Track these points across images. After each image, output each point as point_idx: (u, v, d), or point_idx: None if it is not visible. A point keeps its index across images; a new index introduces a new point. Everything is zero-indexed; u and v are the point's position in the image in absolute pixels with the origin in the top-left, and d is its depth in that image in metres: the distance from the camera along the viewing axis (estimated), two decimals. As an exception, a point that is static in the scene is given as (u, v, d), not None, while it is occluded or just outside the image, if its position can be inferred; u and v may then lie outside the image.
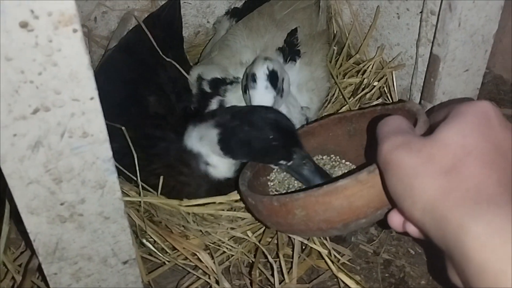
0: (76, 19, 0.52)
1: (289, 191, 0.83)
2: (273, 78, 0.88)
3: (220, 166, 0.85)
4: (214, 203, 0.84)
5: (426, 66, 0.95)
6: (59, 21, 0.52)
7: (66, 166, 0.61)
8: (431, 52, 0.91)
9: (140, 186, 0.82)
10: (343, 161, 0.88)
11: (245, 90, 0.90)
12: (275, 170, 0.86)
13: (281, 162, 0.81)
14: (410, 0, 1.00)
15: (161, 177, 0.85)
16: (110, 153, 0.63)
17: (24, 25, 0.49)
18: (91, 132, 0.60)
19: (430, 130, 0.59)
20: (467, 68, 0.93)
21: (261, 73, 0.88)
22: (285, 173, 0.85)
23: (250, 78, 0.88)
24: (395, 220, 0.48)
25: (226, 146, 0.80)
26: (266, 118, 0.79)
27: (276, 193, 0.83)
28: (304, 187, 0.81)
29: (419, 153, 0.43)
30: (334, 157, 0.88)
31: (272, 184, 0.85)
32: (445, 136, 0.44)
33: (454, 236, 0.38)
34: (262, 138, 0.78)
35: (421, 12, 0.95)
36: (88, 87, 0.57)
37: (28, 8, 0.49)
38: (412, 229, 0.47)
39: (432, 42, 0.90)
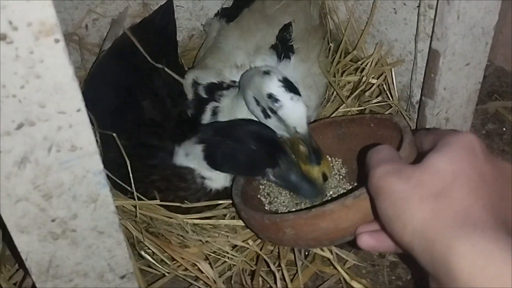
0: (57, 29, 0.50)
1: (278, 198, 0.83)
2: (289, 84, 0.83)
3: (216, 177, 0.84)
4: (213, 215, 0.82)
5: (426, 62, 0.92)
6: (40, 31, 0.49)
7: (56, 181, 0.58)
8: (430, 47, 0.88)
9: (135, 195, 0.79)
10: (335, 158, 0.88)
11: (266, 115, 0.84)
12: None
13: (268, 170, 0.80)
14: (407, -7, 0.97)
15: (157, 193, 0.84)
16: (101, 166, 0.61)
17: (2, 37, 0.47)
18: (80, 145, 0.58)
19: (415, 153, 0.59)
20: (468, 62, 0.90)
21: (276, 88, 0.82)
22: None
23: (269, 101, 0.81)
24: (366, 241, 0.54)
25: (212, 161, 0.80)
26: (248, 131, 0.79)
27: (267, 197, 0.83)
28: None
29: (410, 179, 0.45)
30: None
31: (263, 187, 0.85)
32: (434, 163, 0.46)
33: (441, 256, 0.41)
34: (245, 150, 0.78)
35: (419, 6, 0.93)
36: (74, 99, 0.55)
37: (6, 19, 0.46)
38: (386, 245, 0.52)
39: (431, 37, 0.87)
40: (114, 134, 0.81)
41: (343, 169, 0.86)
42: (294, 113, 0.81)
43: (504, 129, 1.24)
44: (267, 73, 0.86)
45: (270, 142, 0.79)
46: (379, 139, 0.79)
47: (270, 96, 0.82)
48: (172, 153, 0.87)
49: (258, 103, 0.85)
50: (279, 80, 0.83)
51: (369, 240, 0.54)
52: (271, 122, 0.84)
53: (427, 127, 0.97)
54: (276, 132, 0.86)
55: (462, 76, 0.92)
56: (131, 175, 0.80)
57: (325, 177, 0.81)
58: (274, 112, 0.82)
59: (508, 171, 0.48)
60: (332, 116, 1.05)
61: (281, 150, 0.80)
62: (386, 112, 1.05)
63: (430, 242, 0.42)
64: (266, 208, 0.82)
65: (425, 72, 0.93)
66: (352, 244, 0.63)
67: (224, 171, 0.83)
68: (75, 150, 0.58)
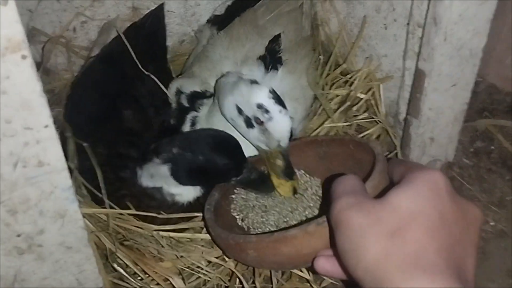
0: (25, 45, 0.49)
1: (249, 214, 0.82)
2: (277, 96, 0.82)
3: (185, 192, 0.83)
4: (189, 227, 0.81)
5: (412, 81, 0.91)
6: (6, 47, 0.49)
7: (22, 196, 0.58)
8: (416, 67, 0.87)
9: (107, 204, 0.78)
10: (314, 177, 0.87)
11: (250, 125, 0.82)
12: (236, 190, 0.85)
13: (234, 179, 0.81)
14: (397, 10, 0.96)
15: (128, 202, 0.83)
16: (69, 182, 0.60)
17: (-34, 53, 0.46)
18: (47, 161, 0.57)
19: (387, 182, 0.58)
20: (455, 83, 0.89)
21: (267, 99, 0.80)
22: (245, 192, 0.85)
23: (258, 111, 0.80)
24: (321, 264, 0.55)
25: (180, 178, 0.80)
26: (210, 143, 0.79)
27: (239, 213, 0.83)
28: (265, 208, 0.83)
29: (369, 214, 0.45)
30: (304, 173, 0.88)
31: (235, 203, 0.84)
32: (394, 200, 0.46)
33: None
34: (212, 164, 0.78)
35: (408, 23, 0.91)
36: (42, 115, 0.54)
37: (-30, 35, 0.45)
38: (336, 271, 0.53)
39: (418, 57, 0.86)
40: (85, 144, 0.79)
41: (321, 189, 0.85)
42: (281, 126, 0.80)
43: (492, 147, 1.23)
44: (255, 82, 0.84)
45: (234, 151, 0.80)
46: (357, 162, 0.78)
47: (260, 106, 0.80)
48: (141, 164, 0.86)
49: (240, 111, 0.84)
50: (270, 92, 0.82)
51: (325, 264, 0.54)
52: (252, 133, 0.83)
53: (411, 146, 0.96)
54: (253, 144, 0.85)
55: (449, 97, 0.91)
56: (102, 185, 0.79)
57: (295, 192, 0.83)
58: (260, 123, 0.81)
59: (472, 213, 0.47)
60: (317, 130, 1.04)
61: (243, 156, 0.81)
62: (373, 129, 1.04)
63: (380, 282, 0.42)
64: (239, 224, 0.81)
65: (411, 91, 0.92)
66: (310, 268, 0.63)
67: (193, 184, 0.83)
68: (43, 166, 0.57)
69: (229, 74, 0.93)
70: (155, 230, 0.79)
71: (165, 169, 0.80)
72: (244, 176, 0.80)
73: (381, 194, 0.63)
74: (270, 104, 0.80)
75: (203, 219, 0.77)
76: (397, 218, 0.44)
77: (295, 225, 0.78)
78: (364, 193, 0.49)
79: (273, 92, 0.82)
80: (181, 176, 0.80)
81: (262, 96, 0.81)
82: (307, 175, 0.86)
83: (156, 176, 0.82)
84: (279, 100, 0.82)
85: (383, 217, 0.44)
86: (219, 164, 0.78)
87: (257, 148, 0.85)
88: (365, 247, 0.43)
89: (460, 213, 0.46)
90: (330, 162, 0.82)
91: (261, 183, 0.82)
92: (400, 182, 0.48)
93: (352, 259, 0.44)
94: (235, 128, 0.87)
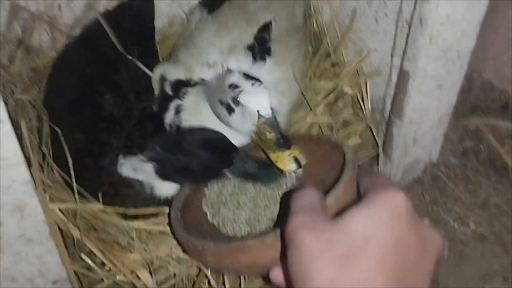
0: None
1: (221, 210, 0.80)
2: (249, 75, 0.82)
3: (166, 186, 0.82)
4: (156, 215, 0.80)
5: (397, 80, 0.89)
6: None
7: (-23, 190, 0.57)
8: (401, 67, 0.85)
9: (76, 193, 0.78)
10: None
11: (230, 109, 0.82)
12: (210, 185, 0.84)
13: (224, 171, 0.79)
14: (388, 5, 0.93)
15: (104, 197, 0.83)
16: (28, 176, 0.59)
17: None
18: (4, 156, 0.56)
19: (354, 191, 0.56)
20: (440, 84, 0.86)
21: (237, 78, 0.81)
22: (219, 188, 0.82)
23: (231, 91, 0.80)
24: (276, 274, 0.54)
25: (165, 176, 0.79)
26: (195, 140, 0.77)
27: (211, 209, 0.81)
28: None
29: (321, 235, 0.43)
30: None
31: (206, 198, 0.82)
32: (348, 223, 0.43)
33: None
34: (198, 161, 0.76)
35: (397, 19, 0.88)
36: (-5, 111, 0.53)
37: None
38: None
39: (402, 57, 0.83)
40: (59, 131, 0.78)
41: (295, 185, 0.83)
42: (256, 96, 0.80)
43: (482, 147, 1.20)
44: (229, 70, 0.85)
45: (219, 144, 0.78)
46: (333, 164, 0.76)
47: (231, 85, 0.81)
48: (122, 153, 0.85)
49: (222, 103, 0.83)
50: (239, 73, 0.83)
51: (280, 275, 0.53)
52: (236, 117, 0.82)
53: (393, 146, 0.94)
54: (243, 132, 0.84)
55: (434, 98, 0.88)
56: (72, 172, 0.77)
57: (297, 163, 0.77)
58: (237, 103, 0.81)
59: (431, 240, 0.46)
60: (300, 123, 1.03)
61: (231, 147, 0.79)
62: (357, 125, 1.02)
63: None
64: (209, 220, 0.80)
65: (395, 92, 0.89)
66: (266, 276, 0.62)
67: (179, 183, 0.81)
68: (-2, 161, 0.56)
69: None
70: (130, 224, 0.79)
71: (149, 167, 0.79)
72: (237, 166, 0.78)
73: (347, 205, 0.63)
74: (240, 81, 0.81)
75: (168, 215, 0.76)
76: (349, 243, 0.42)
77: (265, 228, 0.78)
78: (321, 211, 0.47)
79: (244, 73, 0.83)
80: (166, 175, 0.79)
81: (232, 77, 0.82)
82: None
83: (139, 170, 0.81)
84: (250, 77, 0.82)
85: (335, 240, 0.43)
86: (202, 158, 0.77)
87: (247, 133, 0.83)
88: (313, 272, 0.42)
89: (418, 240, 0.44)
90: (308, 160, 0.80)
91: (261, 172, 0.78)
92: (360, 199, 0.46)
93: (299, 283, 0.43)
94: (225, 124, 0.86)
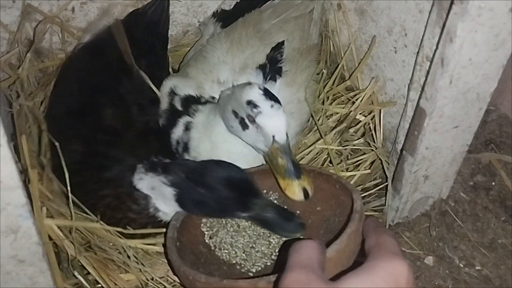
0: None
1: (220, 232, 0.79)
2: (270, 93, 0.80)
3: (170, 212, 0.80)
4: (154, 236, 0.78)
5: (412, 116, 0.86)
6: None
7: (-30, 211, 0.55)
8: (417, 104, 0.82)
9: (72, 209, 0.76)
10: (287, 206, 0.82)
11: (244, 125, 0.80)
12: None
13: (242, 215, 0.76)
14: (409, 36, 0.90)
15: (106, 209, 0.81)
16: (24, 200, 0.57)
17: None
18: (0, 179, 0.54)
19: (358, 242, 0.54)
20: (457, 124, 0.84)
21: (257, 95, 0.79)
22: None
23: (248, 108, 0.78)
24: None
25: (184, 206, 0.77)
26: (218, 177, 0.75)
27: (209, 230, 0.80)
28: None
29: None
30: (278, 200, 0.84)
31: (205, 221, 0.81)
32: None
33: None
34: (216, 198, 0.74)
35: (417, 53, 0.86)
36: (-7, 135, 0.51)
37: None
38: None
39: (420, 95, 0.81)
40: (57, 144, 0.76)
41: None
42: (273, 120, 0.78)
43: (493, 183, 1.17)
44: (248, 83, 0.82)
45: (241, 187, 0.76)
46: (340, 204, 0.74)
47: (249, 102, 0.79)
48: (129, 168, 0.83)
49: (236, 115, 0.81)
50: (260, 88, 0.80)
51: None
52: (249, 134, 0.81)
53: (403, 181, 0.92)
54: (254, 147, 0.82)
55: (449, 138, 0.85)
56: (68, 186, 0.75)
57: (306, 193, 0.77)
58: (253, 121, 0.79)
59: None
60: (310, 148, 1.00)
61: (253, 193, 0.76)
62: (367, 154, 0.99)
63: None
64: (205, 241, 0.78)
65: (409, 128, 0.86)
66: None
67: (194, 214, 0.79)
68: (-7, 184, 0.54)
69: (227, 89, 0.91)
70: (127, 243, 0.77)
71: (170, 192, 0.77)
72: (256, 213, 0.75)
73: (346, 257, 0.60)
74: (259, 99, 0.79)
75: (165, 235, 0.74)
76: None
77: (260, 258, 0.76)
78: (318, 271, 0.46)
79: (264, 90, 0.80)
80: (185, 205, 0.77)
81: (251, 93, 0.80)
82: (283, 205, 0.82)
83: (157, 191, 0.79)
84: (270, 96, 0.80)
85: None
86: (221, 196, 0.75)
87: (258, 151, 0.82)
88: None
89: None
90: (314, 195, 0.78)
91: (280, 224, 0.75)
92: (363, 263, 0.45)
93: None
94: (239, 137, 0.84)
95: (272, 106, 0.79)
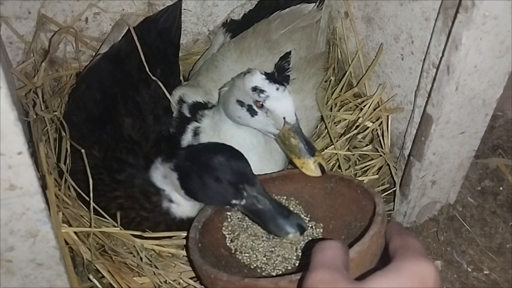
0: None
1: (240, 236, 0.80)
2: (272, 77, 0.82)
3: (184, 204, 0.82)
4: (170, 237, 0.80)
5: (419, 122, 0.87)
6: (-19, 77, 0.47)
7: (-9, 216, 0.57)
8: (424, 110, 0.83)
9: (92, 218, 0.78)
10: (308, 216, 0.83)
11: (253, 112, 0.82)
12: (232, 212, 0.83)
13: (234, 202, 0.77)
14: (415, 44, 0.92)
15: (119, 210, 0.83)
16: (43, 205, 0.59)
17: None
18: (20, 185, 0.56)
19: (381, 245, 0.54)
20: (463, 130, 0.85)
21: (260, 80, 0.80)
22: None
23: (255, 94, 0.80)
24: None
25: (188, 190, 0.79)
26: (215, 158, 0.76)
27: (230, 233, 0.81)
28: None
29: None
30: (300, 210, 0.83)
31: (228, 222, 0.82)
32: None
33: None
34: (210, 178, 0.75)
35: (424, 60, 0.87)
36: (16, 142, 0.53)
37: None
38: None
39: (426, 101, 0.82)
40: (83, 151, 0.80)
41: (319, 229, 0.81)
42: (282, 102, 0.80)
43: (501, 188, 1.18)
44: (248, 72, 0.84)
45: (235, 171, 0.76)
46: (361, 208, 0.75)
47: (255, 88, 0.80)
48: (141, 170, 0.85)
49: (242, 104, 0.83)
50: (262, 74, 0.82)
51: None
52: (259, 119, 0.82)
53: (411, 187, 0.93)
54: (264, 132, 0.84)
55: (455, 143, 0.87)
56: (90, 192, 0.78)
57: (322, 170, 0.79)
58: (261, 106, 0.81)
59: None
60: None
61: (247, 180, 0.76)
62: (375, 160, 1.01)
63: None
64: (227, 244, 0.79)
65: (416, 134, 0.88)
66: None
67: (198, 199, 0.81)
68: (14, 189, 0.56)
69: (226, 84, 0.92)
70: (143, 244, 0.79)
71: (175, 177, 0.79)
72: (248, 203, 0.76)
73: (369, 260, 0.61)
74: (264, 84, 0.81)
75: (187, 236, 0.75)
76: None
77: (280, 262, 0.77)
78: (342, 271, 0.46)
79: (266, 74, 0.82)
80: (188, 188, 0.78)
81: (255, 79, 0.82)
82: (304, 211, 0.83)
83: (168, 179, 0.81)
84: (274, 79, 0.82)
85: None
86: (214, 178, 0.76)
87: (269, 135, 0.84)
88: None
89: None
90: (335, 200, 0.79)
91: (272, 218, 0.74)
92: (389, 263, 0.45)
93: None
94: (247, 125, 0.85)
95: (277, 88, 0.81)
